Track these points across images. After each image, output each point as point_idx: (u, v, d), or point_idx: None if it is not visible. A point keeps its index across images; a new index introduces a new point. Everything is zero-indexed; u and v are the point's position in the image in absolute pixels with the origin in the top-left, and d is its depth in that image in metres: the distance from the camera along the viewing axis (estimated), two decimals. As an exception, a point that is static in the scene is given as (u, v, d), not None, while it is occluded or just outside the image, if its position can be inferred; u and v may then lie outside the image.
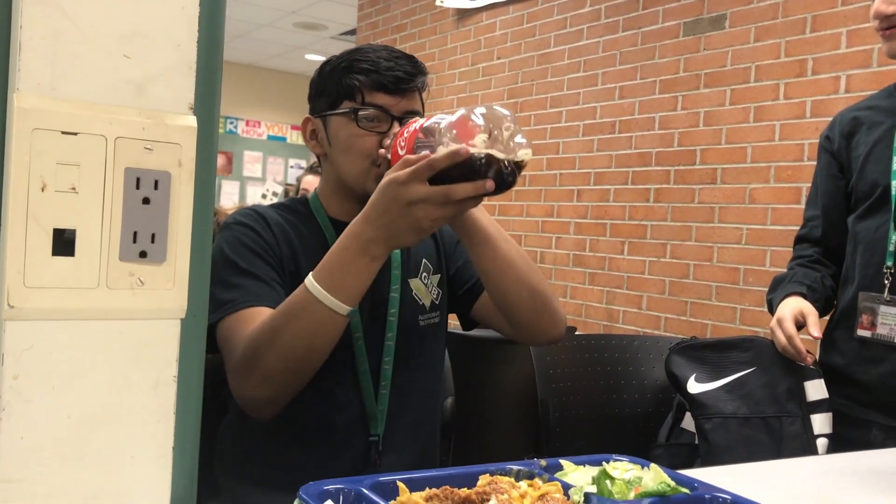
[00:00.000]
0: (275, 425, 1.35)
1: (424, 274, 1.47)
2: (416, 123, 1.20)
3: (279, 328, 1.17)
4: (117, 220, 0.67)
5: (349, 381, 1.36)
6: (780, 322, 1.62)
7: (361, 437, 1.36)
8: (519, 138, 1.11)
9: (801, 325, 1.62)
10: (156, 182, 0.68)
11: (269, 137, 11.32)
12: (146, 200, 0.68)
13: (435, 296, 1.48)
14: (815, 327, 1.59)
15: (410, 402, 1.41)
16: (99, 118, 0.65)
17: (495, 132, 1.09)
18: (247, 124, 11.11)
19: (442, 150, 1.08)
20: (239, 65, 10.50)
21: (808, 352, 1.60)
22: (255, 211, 1.40)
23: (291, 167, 11.48)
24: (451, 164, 1.07)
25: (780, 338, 1.60)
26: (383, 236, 1.14)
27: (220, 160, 10.67)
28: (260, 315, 1.23)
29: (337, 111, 1.38)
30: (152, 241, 0.68)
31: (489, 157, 1.08)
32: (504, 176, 1.09)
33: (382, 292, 1.40)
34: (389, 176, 1.12)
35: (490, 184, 1.08)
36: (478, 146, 1.07)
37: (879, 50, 2.89)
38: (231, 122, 10.99)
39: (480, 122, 1.09)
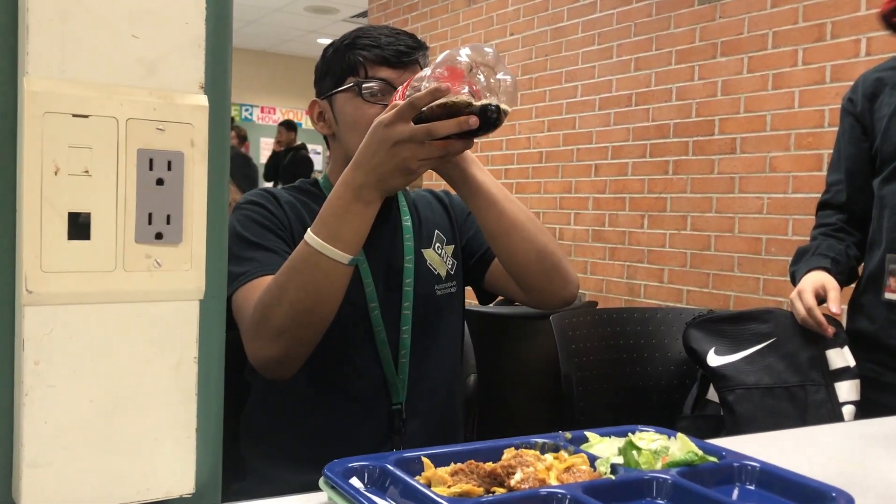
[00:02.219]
0: (298, 398, 1.37)
1: (438, 244, 1.49)
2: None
3: (284, 284, 1.19)
4: (132, 202, 0.66)
5: (368, 351, 1.37)
6: (800, 294, 1.60)
7: (384, 405, 1.38)
8: (502, 75, 1.11)
9: (822, 298, 1.60)
10: (169, 163, 0.67)
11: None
12: (160, 181, 0.67)
13: (450, 266, 1.49)
14: (835, 303, 1.57)
15: (431, 370, 1.43)
16: (110, 100, 0.65)
17: (480, 70, 1.10)
18: (262, 111, 11.13)
19: (422, 92, 1.09)
20: (252, 51, 10.49)
21: (828, 323, 1.58)
22: (266, 191, 1.43)
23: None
24: (432, 100, 1.09)
25: (800, 309, 1.59)
26: (374, 180, 1.15)
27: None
28: (260, 286, 1.26)
29: (341, 88, 1.39)
30: (168, 223, 0.68)
31: (472, 94, 1.08)
32: (488, 114, 1.09)
33: (397, 263, 1.42)
34: (376, 120, 1.14)
35: (473, 119, 1.08)
36: (462, 84, 1.08)
37: None
38: (246, 110, 11.01)
39: (465, 60, 1.09)
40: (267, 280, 1.25)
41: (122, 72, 0.66)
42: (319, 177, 1.52)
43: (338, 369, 1.36)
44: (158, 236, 0.67)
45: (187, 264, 0.69)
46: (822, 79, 3.25)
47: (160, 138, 0.67)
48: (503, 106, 1.11)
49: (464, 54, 1.10)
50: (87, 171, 0.64)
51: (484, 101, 1.09)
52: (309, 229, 1.19)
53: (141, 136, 0.66)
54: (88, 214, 0.65)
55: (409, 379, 1.40)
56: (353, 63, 1.38)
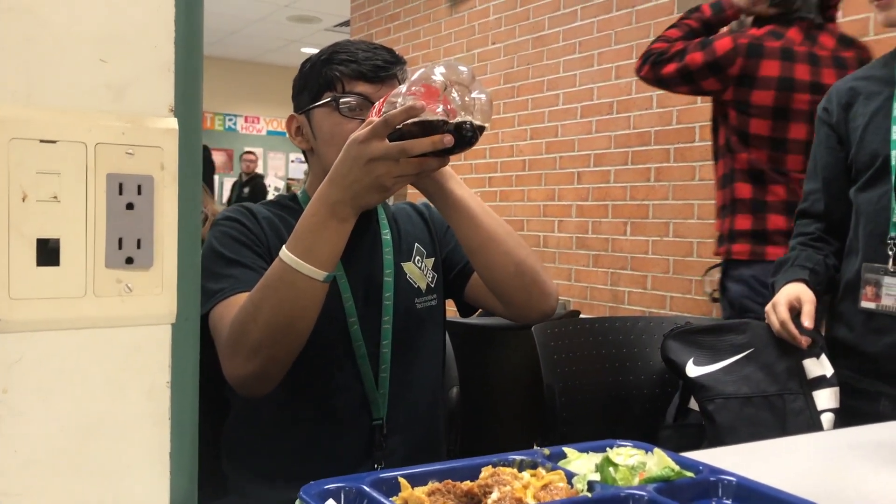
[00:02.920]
0: (277, 414, 1.37)
1: (418, 258, 1.48)
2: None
3: (259, 302, 1.19)
4: (101, 227, 0.66)
5: (348, 366, 1.37)
6: (774, 307, 1.62)
7: (364, 420, 1.37)
8: (477, 94, 1.11)
9: (798, 310, 1.61)
10: (139, 187, 0.67)
11: (269, 133, 11.31)
12: (130, 206, 0.67)
13: (430, 279, 1.48)
14: (809, 317, 1.58)
15: (412, 384, 1.42)
16: (77, 125, 0.65)
17: (455, 89, 1.10)
18: (245, 120, 11.10)
19: (397, 109, 1.09)
20: (234, 61, 10.48)
21: (806, 333, 1.59)
22: (244, 206, 1.43)
23: (292, 161, 11.48)
24: (407, 118, 1.09)
25: (774, 322, 1.60)
26: (348, 197, 1.16)
27: (221, 158, 10.67)
28: (237, 302, 1.25)
29: (319, 103, 1.39)
30: (138, 247, 0.67)
31: (447, 112, 1.08)
32: (463, 132, 1.10)
33: (376, 277, 1.42)
34: (351, 136, 1.14)
35: (448, 138, 1.09)
36: (437, 103, 1.08)
37: (875, 19, 2.86)
38: (230, 119, 10.98)
39: (440, 79, 1.10)
40: (243, 297, 1.25)
41: (91, 96, 0.66)
42: (298, 191, 1.52)
43: (317, 385, 1.36)
44: (129, 261, 0.67)
45: (158, 288, 0.68)
46: (800, 85, 3.27)
47: (130, 162, 0.67)
48: (478, 123, 1.12)
49: (438, 73, 1.10)
50: (55, 197, 0.64)
51: (459, 119, 1.09)
52: (284, 246, 1.19)
53: (110, 161, 0.66)
54: (58, 240, 0.64)
55: (389, 394, 1.39)
56: (329, 78, 1.38)
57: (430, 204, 1.52)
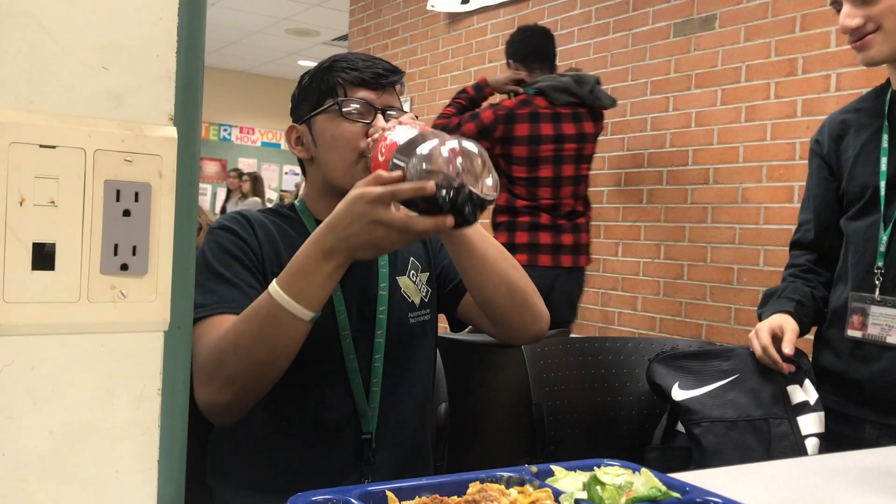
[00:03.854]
0: (265, 427, 1.36)
1: (413, 272, 1.48)
2: (397, 133, 1.21)
3: (242, 333, 1.19)
4: (97, 233, 0.66)
5: (339, 379, 1.36)
6: (756, 333, 1.64)
7: (353, 434, 1.36)
8: (489, 180, 1.13)
9: (780, 338, 1.63)
10: (136, 194, 0.67)
11: (263, 144, 11.32)
12: (127, 213, 0.67)
13: (424, 293, 1.48)
14: (789, 344, 1.61)
15: (403, 399, 1.42)
16: (77, 131, 0.65)
17: (464, 168, 1.11)
18: (241, 131, 11.11)
19: (408, 185, 1.11)
20: (232, 72, 10.50)
21: (790, 360, 1.61)
22: (241, 214, 1.42)
23: (286, 174, 11.48)
24: (414, 196, 1.11)
25: (756, 348, 1.62)
26: (344, 247, 1.16)
27: (215, 168, 10.67)
28: (228, 322, 1.24)
29: (321, 109, 1.40)
30: (133, 254, 0.67)
31: (454, 194, 1.10)
32: (465, 215, 1.12)
33: (370, 290, 1.42)
34: (359, 190, 1.14)
35: (450, 220, 1.11)
36: (443, 183, 1.10)
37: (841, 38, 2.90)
38: (225, 130, 10.99)
39: (447, 156, 1.11)
40: (224, 319, 1.24)
41: (91, 103, 0.66)
42: (296, 201, 1.52)
43: (306, 398, 1.35)
44: (124, 267, 0.67)
45: (152, 295, 0.69)
46: (793, 112, 3.31)
47: (128, 170, 0.67)
48: (485, 195, 1.12)
49: (449, 147, 1.11)
50: (52, 202, 0.64)
51: (462, 195, 1.11)
52: (274, 281, 1.19)
53: (108, 168, 0.66)
54: (53, 245, 0.65)
55: (380, 408, 1.38)
56: (331, 85, 1.39)
57: None
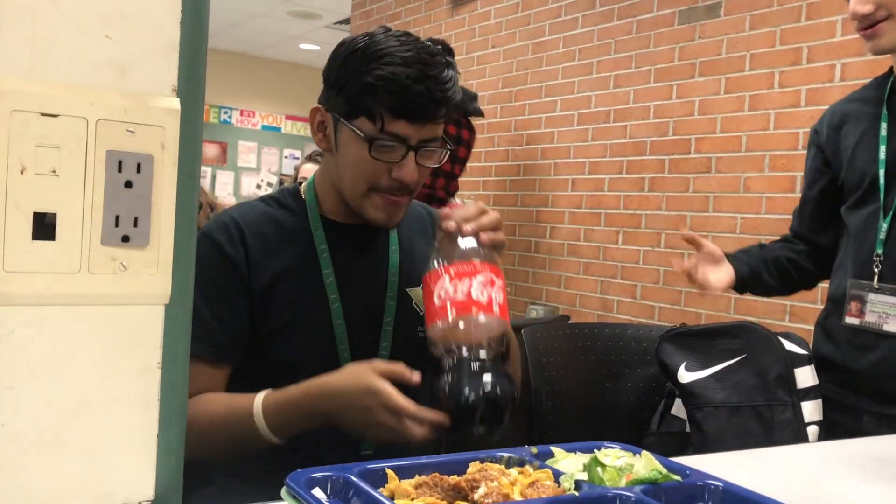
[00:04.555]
0: None
1: None
2: (459, 271, 1.16)
3: (214, 434, 1.20)
4: (99, 204, 0.65)
5: None
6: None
7: (352, 450, 1.30)
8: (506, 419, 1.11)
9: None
10: (138, 165, 0.67)
11: (264, 127, 11.28)
12: (128, 184, 0.66)
13: None
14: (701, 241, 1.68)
15: None
16: (79, 100, 0.64)
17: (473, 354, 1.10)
18: (241, 114, 11.07)
19: (429, 415, 1.10)
20: (233, 54, 10.45)
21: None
22: (233, 219, 1.31)
23: (286, 157, 11.45)
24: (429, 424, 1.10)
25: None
26: (338, 419, 1.16)
27: (215, 150, 10.64)
28: (197, 374, 1.17)
29: (351, 125, 1.25)
30: (135, 226, 0.67)
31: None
32: (466, 437, 1.11)
33: (377, 300, 1.34)
34: (377, 385, 1.11)
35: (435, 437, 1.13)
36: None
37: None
38: (225, 112, 10.95)
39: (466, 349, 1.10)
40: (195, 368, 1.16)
41: (94, 72, 0.66)
42: (303, 186, 1.40)
43: None
44: (125, 239, 0.67)
45: (153, 268, 0.68)
46: (797, 102, 3.29)
47: (130, 140, 0.66)
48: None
49: (473, 324, 1.11)
50: (54, 171, 0.64)
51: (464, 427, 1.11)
52: (261, 403, 1.18)
53: (110, 138, 0.66)
54: (54, 215, 0.64)
55: None
56: (370, 106, 1.23)
57: None
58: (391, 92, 1.21)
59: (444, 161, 1.33)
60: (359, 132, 1.24)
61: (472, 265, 1.14)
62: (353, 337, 1.31)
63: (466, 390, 1.06)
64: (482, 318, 1.11)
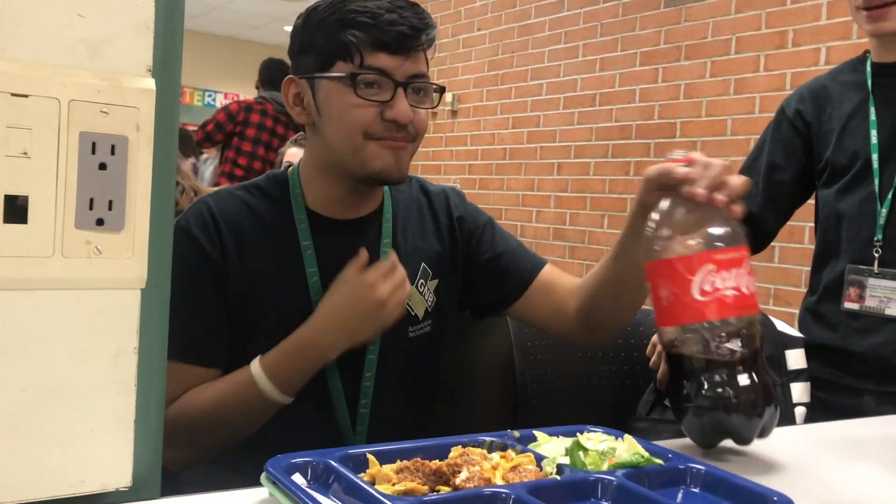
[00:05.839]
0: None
1: (421, 280, 1.28)
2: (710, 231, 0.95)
3: (219, 415, 1.14)
4: (72, 187, 0.64)
5: (318, 404, 1.21)
6: None
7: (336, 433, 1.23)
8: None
9: None
10: (112, 147, 0.65)
11: (249, 111, 11.20)
12: (103, 166, 0.65)
13: (430, 303, 1.29)
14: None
15: (395, 425, 1.24)
16: (51, 80, 0.63)
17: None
18: (225, 97, 10.99)
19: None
20: (217, 36, 10.36)
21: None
22: (210, 210, 1.21)
23: (271, 141, 11.38)
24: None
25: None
26: (338, 336, 1.14)
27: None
28: (180, 373, 1.12)
29: (329, 74, 1.16)
30: (109, 209, 0.66)
31: None
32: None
33: None
34: (343, 276, 1.13)
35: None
36: None
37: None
38: (209, 95, 10.87)
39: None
40: (178, 368, 1.10)
41: (66, 52, 0.64)
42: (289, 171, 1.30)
43: (279, 419, 1.18)
44: (99, 222, 0.65)
45: (129, 252, 0.67)
46: (782, 85, 3.30)
47: (104, 121, 0.65)
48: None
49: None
50: (25, 153, 0.62)
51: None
52: (259, 363, 1.13)
53: (84, 119, 0.64)
54: (26, 197, 0.63)
55: (368, 433, 1.23)
56: (344, 44, 1.14)
57: (464, 197, 1.39)
58: (364, 25, 1.13)
59: (438, 104, 1.25)
60: (339, 75, 1.15)
61: (738, 250, 0.93)
62: None
63: (747, 403, 0.93)
64: (757, 318, 0.95)
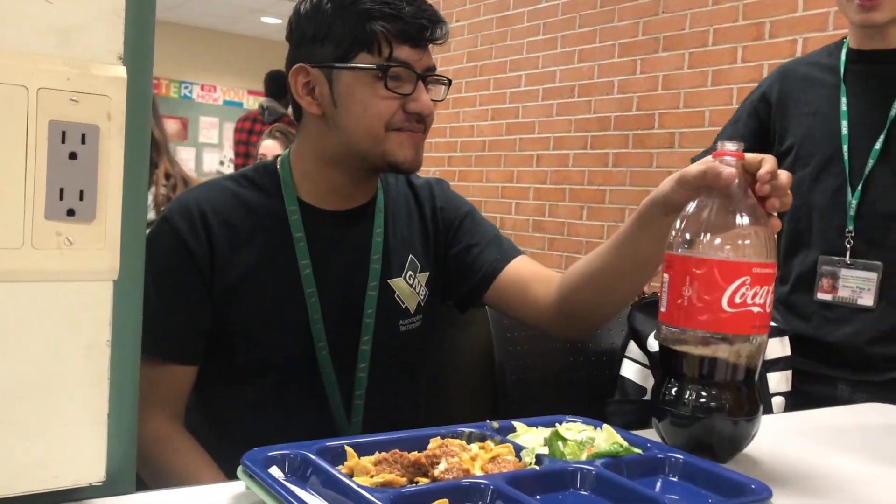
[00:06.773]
0: (229, 427, 1.23)
1: (410, 273, 1.28)
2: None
3: (170, 476, 1.12)
4: (42, 177, 0.63)
5: (313, 395, 1.20)
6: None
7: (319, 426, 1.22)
8: None
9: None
10: (83, 136, 0.64)
11: (226, 103, 11.12)
12: (73, 155, 0.64)
13: (422, 297, 1.29)
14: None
15: (388, 415, 1.22)
16: (19, 67, 0.61)
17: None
18: (202, 89, 10.90)
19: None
20: (193, 28, 10.27)
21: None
22: (198, 204, 1.18)
23: (249, 133, 11.29)
24: None
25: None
26: None
27: (175, 126, 10.47)
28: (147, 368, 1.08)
29: (354, 65, 1.13)
30: (81, 199, 0.64)
31: None
32: None
33: (356, 291, 1.22)
34: None
35: None
36: None
37: (836, 13, 2.90)
38: (186, 87, 10.78)
39: None
40: (147, 362, 1.02)
41: (34, 39, 0.63)
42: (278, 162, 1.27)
43: (273, 412, 1.20)
44: (70, 213, 0.64)
45: (101, 243, 0.66)
46: (759, 77, 3.30)
47: (74, 110, 0.64)
48: None
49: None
50: (-7, 142, 0.61)
51: None
52: None
53: (53, 108, 0.63)
54: (-6, 188, 0.61)
55: (363, 423, 1.23)
56: (369, 35, 1.12)
57: (445, 187, 1.37)
58: (389, 16, 1.11)
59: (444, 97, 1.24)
60: (367, 66, 1.13)
61: (771, 266, 0.89)
62: (332, 332, 1.20)
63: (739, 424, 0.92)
64: (766, 340, 0.93)
